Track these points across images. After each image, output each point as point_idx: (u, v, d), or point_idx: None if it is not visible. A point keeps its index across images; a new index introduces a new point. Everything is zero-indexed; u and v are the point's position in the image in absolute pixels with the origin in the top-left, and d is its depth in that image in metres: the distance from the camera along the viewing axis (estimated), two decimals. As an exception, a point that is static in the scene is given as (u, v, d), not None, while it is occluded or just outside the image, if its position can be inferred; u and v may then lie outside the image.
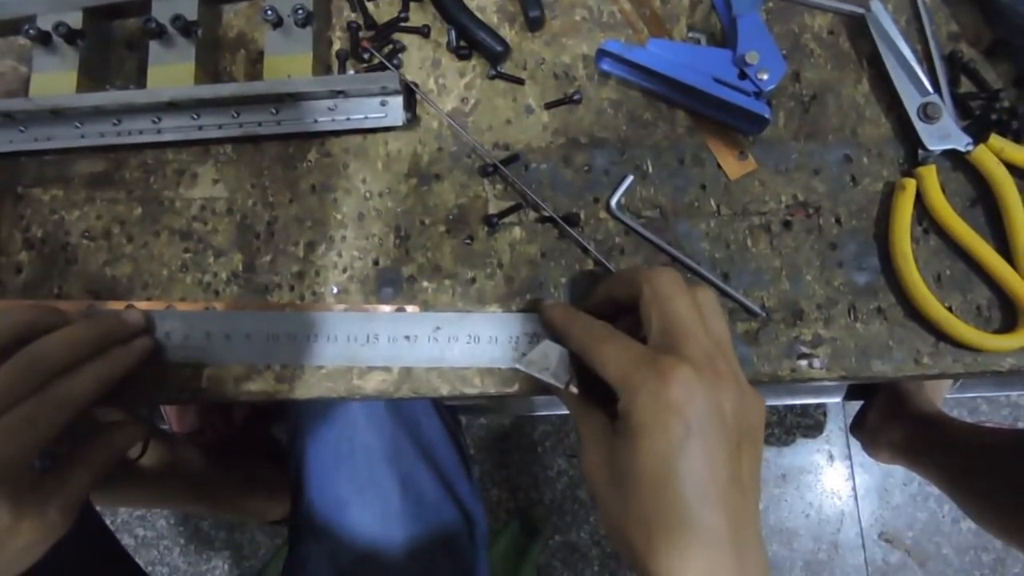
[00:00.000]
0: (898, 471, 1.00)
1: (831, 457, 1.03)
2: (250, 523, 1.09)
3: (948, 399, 0.91)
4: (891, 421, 0.82)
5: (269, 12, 0.35)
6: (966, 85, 0.34)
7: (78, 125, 0.36)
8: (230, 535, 1.11)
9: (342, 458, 0.48)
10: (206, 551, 1.11)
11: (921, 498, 1.01)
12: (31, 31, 0.35)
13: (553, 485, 1.06)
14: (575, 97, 0.35)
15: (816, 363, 0.33)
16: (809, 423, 1.04)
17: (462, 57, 0.36)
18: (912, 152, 0.34)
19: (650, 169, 0.35)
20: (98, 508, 0.56)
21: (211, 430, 0.84)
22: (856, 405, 0.92)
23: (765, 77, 0.32)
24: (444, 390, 0.34)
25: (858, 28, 0.35)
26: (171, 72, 0.36)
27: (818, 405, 1.03)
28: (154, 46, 0.36)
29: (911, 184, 0.32)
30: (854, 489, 1.02)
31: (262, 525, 1.07)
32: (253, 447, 0.88)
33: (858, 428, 0.90)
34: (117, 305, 0.36)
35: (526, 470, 1.06)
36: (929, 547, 1.00)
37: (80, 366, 0.31)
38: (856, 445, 0.97)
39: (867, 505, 1.02)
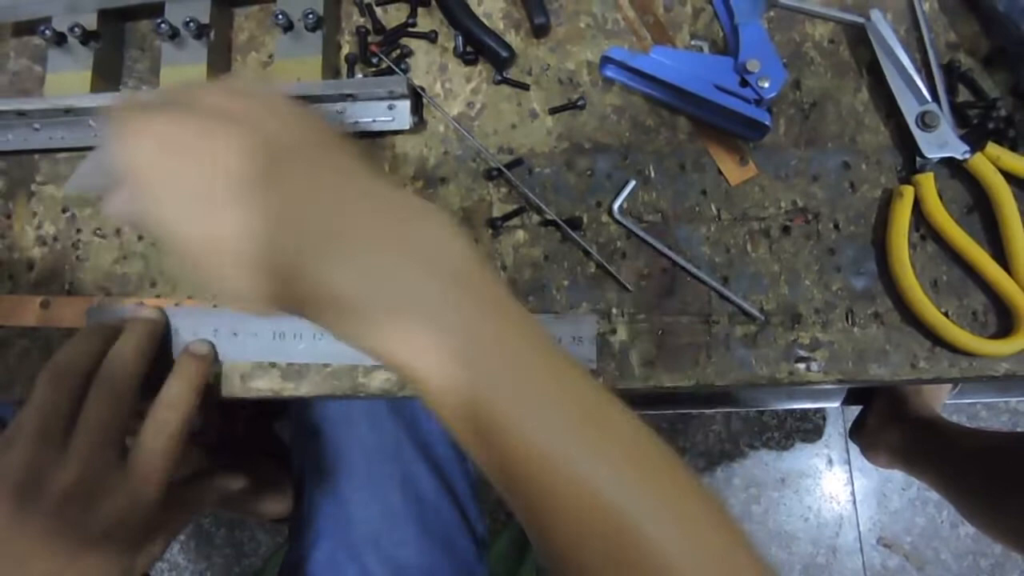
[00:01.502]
0: (897, 476, 1.01)
1: (830, 461, 1.04)
2: (251, 521, 1.10)
3: (947, 405, 0.92)
4: (890, 425, 0.82)
5: (280, 16, 0.35)
6: (964, 94, 0.35)
7: (92, 124, 0.37)
8: (231, 533, 1.11)
9: (342, 457, 0.48)
10: (207, 548, 1.11)
11: (920, 503, 1.01)
12: (47, 32, 0.36)
13: (553, 486, 1.06)
14: (579, 103, 0.36)
15: (814, 366, 0.33)
16: (808, 427, 1.05)
17: (468, 62, 0.37)
18: (910, 159, 0.34)
19: (652, 174, 0.35)
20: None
21: (213, 428, 0.84)
22: (855, 410, 0.93)
23: (766, 85, 0.33)
24: (447, 389, 0.34)
25: (858, 37, 0.35)
26: (183, 73, 0.36)
27: (817, 409, 1.04)
28: (167, 48, 0.37)
29: (909, 191, 0.33)
30: (853, 494, 1.03)
31: (263, 523, 1.07)
32: (255, 445, 0.88)
33: (857, 432, 0.90)
34: (128, 301, 0.36)
35: (526, 471, 1.07)
36: (927, 552, 1.00)
37: (173, 397, 0.32)
38: (855, 450, 0.97)
39: (866, 510, 1.02)
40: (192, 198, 0.21)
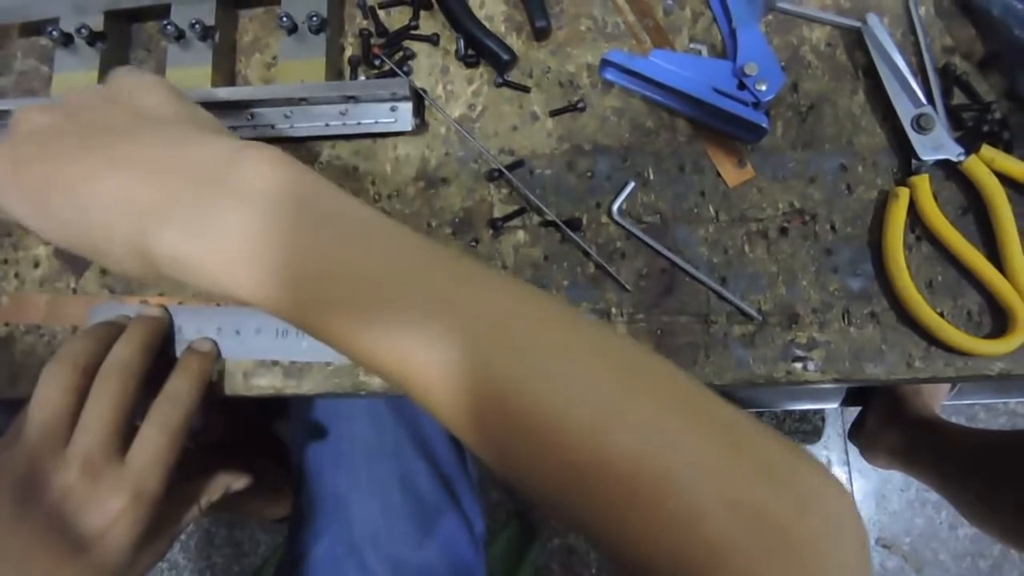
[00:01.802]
0: (896, 477, 1.01)
1: (829, 462, 1.04)
2: (251, 521, 1.10)
3: (946, 406, 0.92)
4: (889, 425, 0.83)
5: (284, 18, 0.36)
6: (959, 97, 0.35)
7: (97, 125, 0.37)
8: (230, 532, 1.11)
9: (342, 455, 0.49)
10: (206, 548, 1.12)
11: (919, 504, 1.02)
12: (54, 33, 0.37)
13: (552, 487, 1.06)
14: (579, 105, 0.36)
15: (810, 366, 0.34)
16: (807, 428, 1.05)
17: (470, 65, 0.38)
18: (906, 162, 0.35)
19: (651, 176, 0.36)
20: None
21: (214, 427, 0.84)
22: (854, 411, 0.93)
23: (764, 88, 0.33)
24: (448, 387, 0.34)
25: (855, 41, 0.36)
26: (188, 74, 0.37)
27: (816, 411, 1.04)
28: (172, 49, 0.37)
29: (904, 193, 0.33)
30: (851, 495, 1.03)
31: (263, 523, 1.08)
32: (255, 445, 0.88)
33: (856, 433, 0.91)
34: (132, 300, 0.37)
35: (526, 472, 1.07)
36: (926, 553, 1.01)
37: (177, 392, 0.32)
38: (854, 451, 0.98)
39: (864, 511, 1.02)
40: (49, 208, 0.24)
